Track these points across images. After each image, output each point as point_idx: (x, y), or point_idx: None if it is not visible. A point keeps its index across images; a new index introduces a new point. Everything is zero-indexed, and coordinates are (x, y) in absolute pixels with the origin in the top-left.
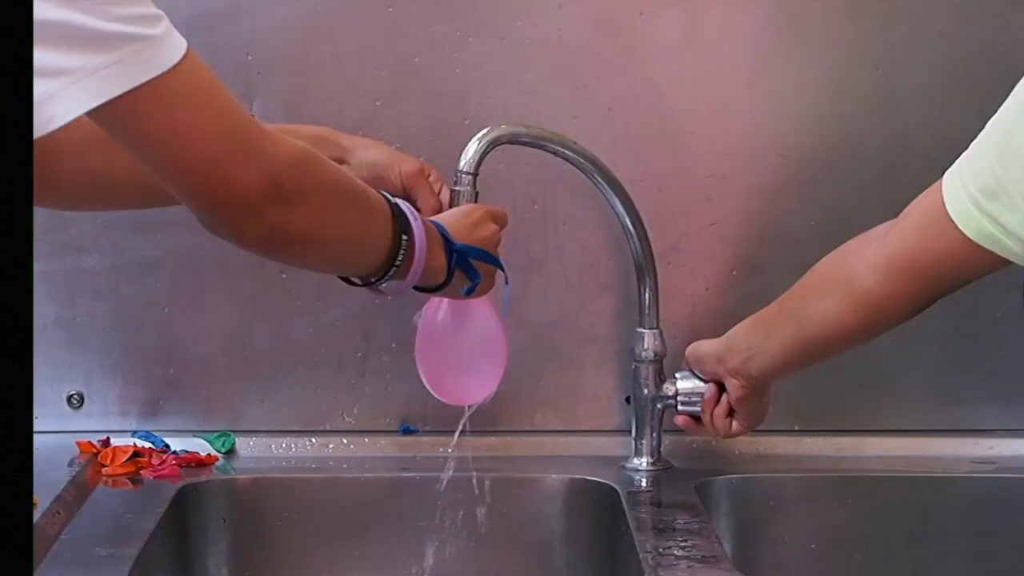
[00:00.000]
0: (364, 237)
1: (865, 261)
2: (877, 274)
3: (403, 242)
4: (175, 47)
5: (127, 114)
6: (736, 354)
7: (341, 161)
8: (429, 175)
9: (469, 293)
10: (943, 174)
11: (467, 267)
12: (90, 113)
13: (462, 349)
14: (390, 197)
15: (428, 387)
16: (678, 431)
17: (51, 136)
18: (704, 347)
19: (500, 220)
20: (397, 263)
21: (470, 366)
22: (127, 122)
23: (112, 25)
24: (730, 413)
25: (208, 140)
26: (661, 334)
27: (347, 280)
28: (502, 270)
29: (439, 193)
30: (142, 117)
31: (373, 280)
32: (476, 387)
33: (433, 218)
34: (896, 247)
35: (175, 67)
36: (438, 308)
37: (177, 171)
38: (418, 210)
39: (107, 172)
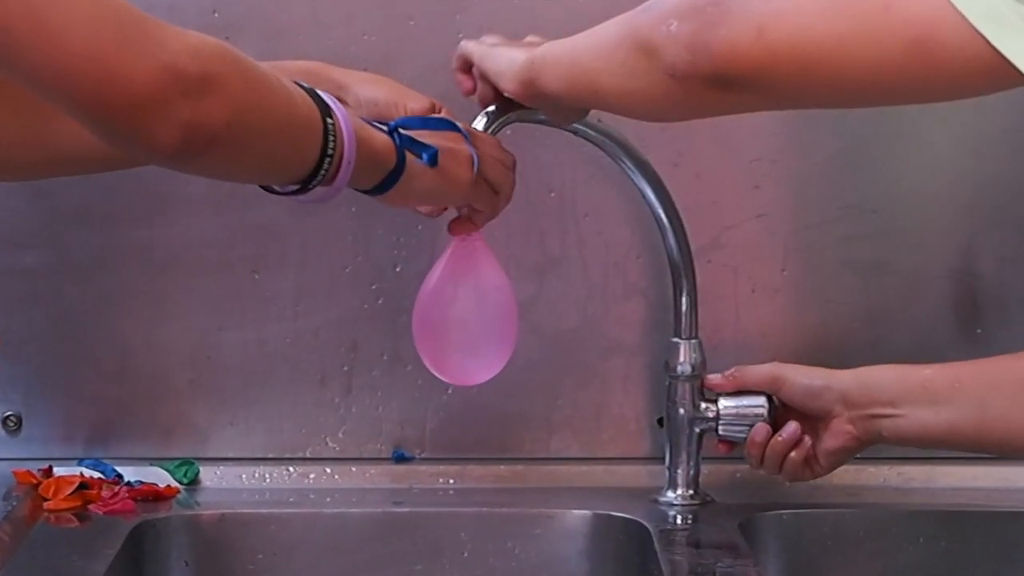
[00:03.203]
0: (294, 126)
1: None
2: None
3: (330, 126)
4: None
5: None
6: (873, 404)
7: (337, 100)
8: (440, 113)
9: (433, 162)
10: None
11: (413, 145)
12: None
13: (466, 319)
14: (299, 81)
15: (428, 365)
16: (719, 459)
17: None
18: (821, 374)
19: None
20: (330, 152)
21: (475, 339)
22: None
23: None
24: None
25: (83, 30)
26: (700, 345)
27: (268, 189)
28: (458, 131)
29: None
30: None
31: (309, 181)
32: (482, 364)
33: None
34: None
35: None
36: (438, 274)
37: (52, 73)
38: None
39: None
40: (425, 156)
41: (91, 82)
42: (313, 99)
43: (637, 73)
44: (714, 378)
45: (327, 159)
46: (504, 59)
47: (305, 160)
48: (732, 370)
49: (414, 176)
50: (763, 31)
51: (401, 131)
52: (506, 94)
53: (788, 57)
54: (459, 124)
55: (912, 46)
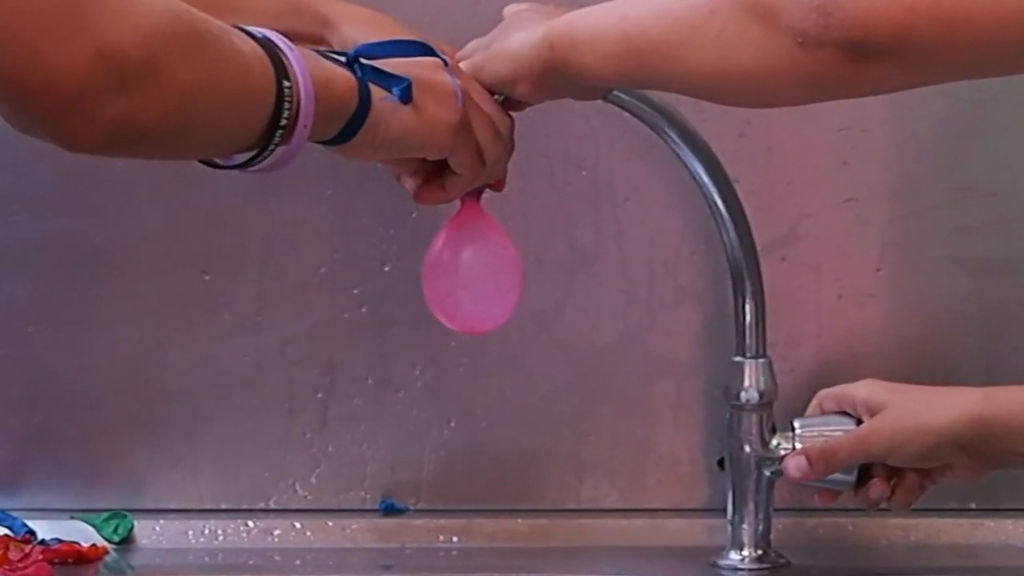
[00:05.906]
0: (242, 105)
1: None
2: None
3: (286, 90)
4: None
5: None
6: (1000, 454)
7: (320, 40)
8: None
9: (406, 96)
10: None
11: (379, 77)
12: None
13: (469, 270)
14: (255, 32)
15: (439, 317)
16: (795, 509)
17: None
18: (925, 429)
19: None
20: (283, 123)
21: (480, 287)
22: None
23: None
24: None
25: (5, 7)
26: (770, 364)
27: (208, 163)
28: (436, 56)
29: None
30: None
31: (256, 158)
32: (489, 310)
33: None
34: None
35: None
36: (440, 239)
37: None
38: None
39: None
40: (396, 91)
41: (12, 68)
42: (268, 56)
43: (744, 45)
44: (794, 464)
45: (279, 131)
46: (507, 59)
47: (253, 134)
48: (816, 449)
49: (383, 118)
50: None
51: (363, 61)
52: (522, 99)
53: (929, 13)
54: (437, 48)
55: None
